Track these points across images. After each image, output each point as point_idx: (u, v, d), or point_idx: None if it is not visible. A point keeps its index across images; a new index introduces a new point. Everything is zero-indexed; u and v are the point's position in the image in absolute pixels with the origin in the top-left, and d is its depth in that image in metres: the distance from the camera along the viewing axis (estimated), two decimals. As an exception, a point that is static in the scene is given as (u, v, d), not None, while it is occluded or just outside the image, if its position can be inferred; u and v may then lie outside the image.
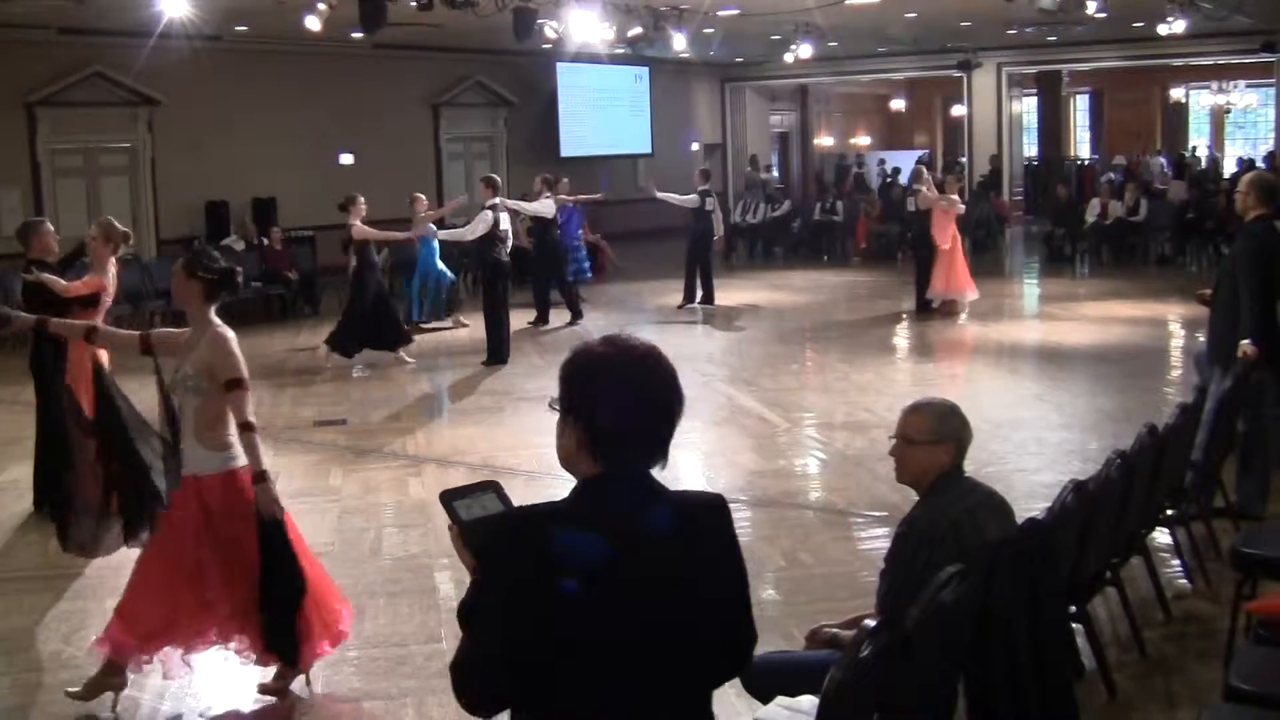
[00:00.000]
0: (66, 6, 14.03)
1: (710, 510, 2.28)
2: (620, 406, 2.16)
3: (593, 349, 2.22)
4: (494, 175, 13.05)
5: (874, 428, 8.89)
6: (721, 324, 14.79)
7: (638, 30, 15.43)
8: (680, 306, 15.77)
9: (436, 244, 14.20)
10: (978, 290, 14.63)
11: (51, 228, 7.56)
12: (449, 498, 2.23)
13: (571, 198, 16.40)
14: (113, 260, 7.31)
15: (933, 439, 3.70)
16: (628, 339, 2.24)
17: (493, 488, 2.25)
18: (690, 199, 15.77)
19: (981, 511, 3.68)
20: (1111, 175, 25.30)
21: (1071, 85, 31.69)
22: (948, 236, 14.35)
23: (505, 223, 12.48)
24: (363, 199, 12.18)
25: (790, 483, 7.84)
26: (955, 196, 14.64)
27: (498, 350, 12.15)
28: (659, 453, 2.22)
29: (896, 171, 27.29)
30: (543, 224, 14.52)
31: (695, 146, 27.15)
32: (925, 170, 15.94)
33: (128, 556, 6.59)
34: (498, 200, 12.38)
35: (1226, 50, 23.89)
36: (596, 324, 14.91)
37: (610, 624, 2.11)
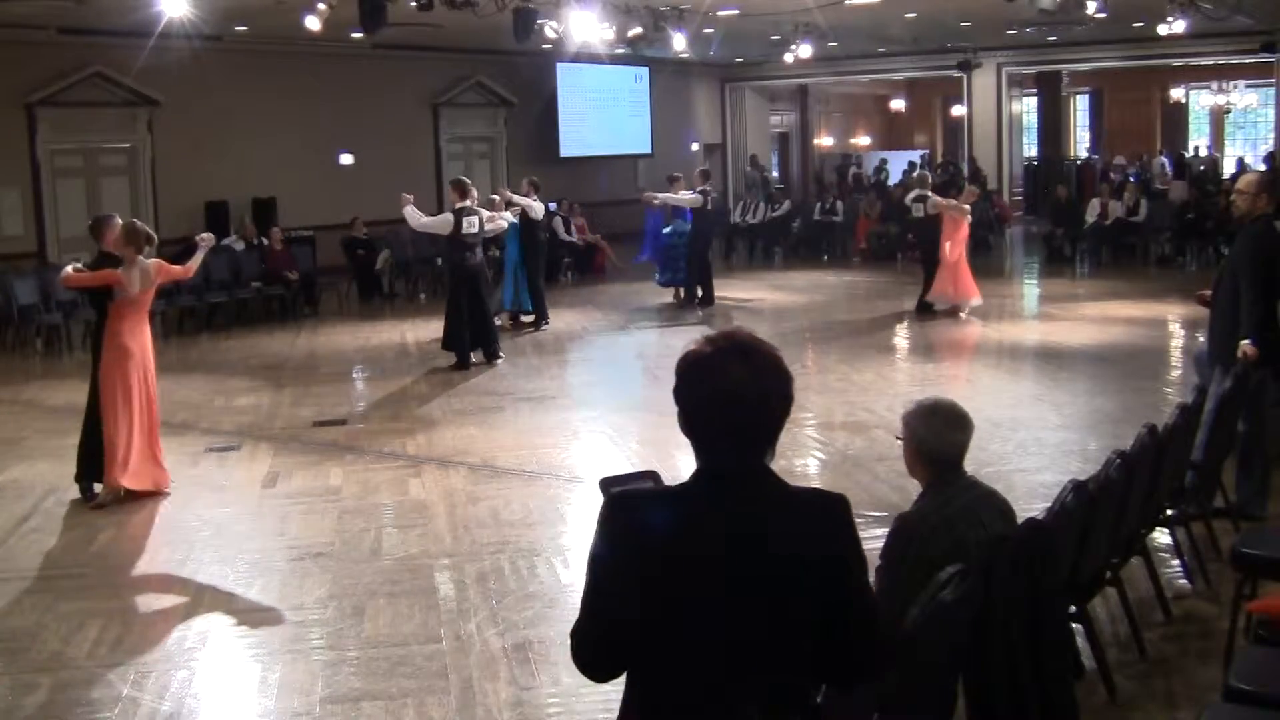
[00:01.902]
0: (66, 6, 14.03)
1: (818, 511, 2.33)
2: (691, 401, 2.23)
3: (688, 347, 2.28)
4: (464, 179, 12.64)
5: (874, 428, 8.90)
6: (721, 324, 14.77)
7: (638, 30, 15.42)
8: (680, 306, 15.76)
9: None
10: (981, 296, 14.57)
11: (120, 222, 7.73)
12: (608, 484, 2.26)
13: None
14: (140, 259, 7.44)
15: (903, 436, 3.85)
16: (718, 333, 2.28)
17: (651, 477, 2.27)
18: (694, 198, 15.76)
19: (980, 510, 3.69)
20: (1129, 172, 25.28)
21: (1071, 85, 31.69)
22: (958, 243, 14.29)
23: (474, 227, 12.01)
24: (473, 187, 12.26)
25: (790, 483, 7.80)
26: (966, 206, 14.57)
27: (464, 356, 11.88)
28: (745, 446, 2.24)
29: (881, 168, 27.27)
30: (531, 223, 14.50)
31: (695, 146, 27.15)
32: (929, 177, 15.89)
33: (127, 557, 6.65)
34: (468, 203, 12.10)
35: (1226, 50, 23.90)
36: (597, 324, 14.92)
37: (705, 608, 2.17)
